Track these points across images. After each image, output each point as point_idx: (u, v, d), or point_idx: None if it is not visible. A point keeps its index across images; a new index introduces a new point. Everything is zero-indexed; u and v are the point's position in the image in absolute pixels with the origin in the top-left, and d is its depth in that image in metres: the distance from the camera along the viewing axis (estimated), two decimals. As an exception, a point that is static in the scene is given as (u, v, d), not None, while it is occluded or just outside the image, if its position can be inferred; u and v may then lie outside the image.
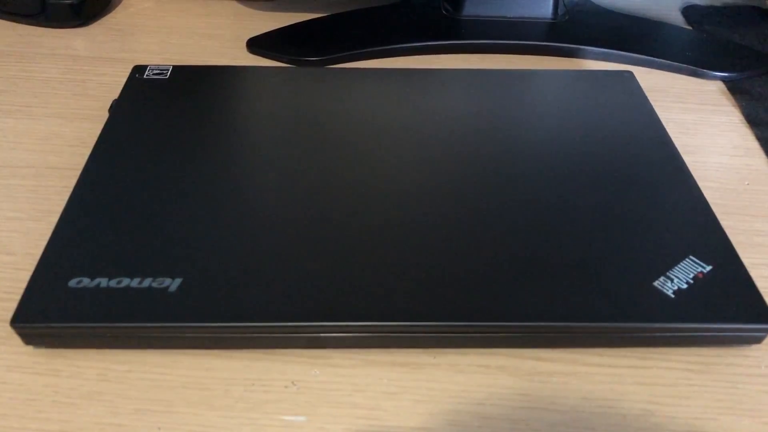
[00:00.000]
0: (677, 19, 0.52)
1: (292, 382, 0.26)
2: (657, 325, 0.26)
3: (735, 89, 0.43)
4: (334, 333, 0.26)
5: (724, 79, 0.44)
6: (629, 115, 0.37)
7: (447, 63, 0.45)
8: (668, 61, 0.45)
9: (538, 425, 0.25)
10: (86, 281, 0.27)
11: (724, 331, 0.27)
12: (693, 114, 0.41)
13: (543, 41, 0.46)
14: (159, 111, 0.36)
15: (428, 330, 0.26)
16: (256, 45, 0.46)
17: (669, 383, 0.26)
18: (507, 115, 0.36)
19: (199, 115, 0.36)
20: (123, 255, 0.28)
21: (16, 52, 0.45)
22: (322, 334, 0.26)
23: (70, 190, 0.31)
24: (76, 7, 0.46)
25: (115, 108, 0.36)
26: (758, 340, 0.27)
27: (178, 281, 0.27)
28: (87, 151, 0.34)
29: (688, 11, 0.52)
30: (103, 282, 0.27)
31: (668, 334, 0.27)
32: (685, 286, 0.27)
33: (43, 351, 0.27)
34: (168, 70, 0.39)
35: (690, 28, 0.50)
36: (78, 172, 0.33)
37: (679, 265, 0.28)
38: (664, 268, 0.28)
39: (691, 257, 0.28)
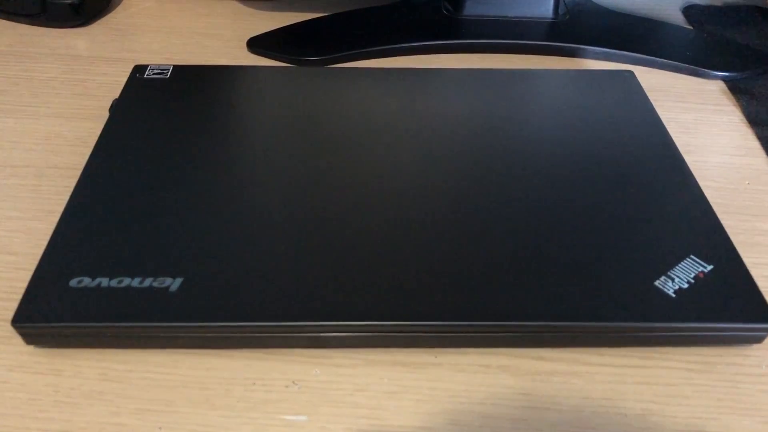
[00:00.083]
0: (678, 18, 0.52)
1: (293, 382, 0.26)
2: (658, 324, 0.26)
3: (736, 89, 0.43)
4: (335, 332, 0.26)
5: (724, 79, 0.44)
6: (630, 115, 0.37)
7: (447, 63, 0.45)
8: (669, 61, 0.45)
9: (539, 425, 0.25)
10: (87, 281, 0.27)
11: (724, 331, 0.27)
12: (694, 113, 0.41)
13: (543, 41, 0.46)
14: (159, 111, 0.36)
15: (429, 330, 0.26)
16: (256, 45, 0.46)
17: (670, 383, 0.26)
18: (508, 114, 0.36)
19: (200, 114, 0.36)
20: (124, 255, 0.28)
21: (16, 51, 0.45)
22: (323, 334, 0.26)
23: (71, 189, 0.31)
24: (76, 7, 0.46)
25: (116, 107, 0.36)
26: (759, 340, 0.27)
27: (179, 281, 0.27)
28: (88, 151, 0.34)
29: (688, 11, 0.52)
30: (104, 282, 0.27)
31: (669, 333, 0.27)
32: (685, 285, 0.27)
33: (44, 350, 0.27)
34: (168, 69, 0.39)
35: (691, 27, 0.50)
36: (79, 172, 0.33)
37: (679, 265, 0.28)
38: (665, 267, 0.28)
39: (691, 257, 0.28)
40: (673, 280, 0.27)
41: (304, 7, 0.51)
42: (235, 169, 0.32)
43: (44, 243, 0.29)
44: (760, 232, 0.33)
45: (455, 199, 0.31)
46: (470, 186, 0.32)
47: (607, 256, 0.28)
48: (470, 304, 0.26)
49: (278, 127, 0.35)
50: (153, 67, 0.39)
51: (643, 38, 0.47)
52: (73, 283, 0.26)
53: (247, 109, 0.36)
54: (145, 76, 0.38)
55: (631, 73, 0.40)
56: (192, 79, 0.38)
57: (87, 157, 0.33)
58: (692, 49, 0.46)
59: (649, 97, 0.38)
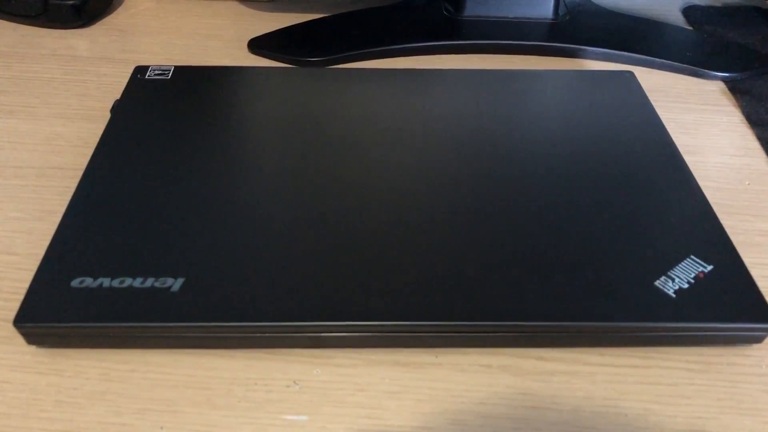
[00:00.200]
0: (678, 19, 0.52)
1: (294, 382, 0.26)
2: (658, 324, 0.26)
3: (735, 89, 0.43)
4: (335, 333, 0.26)
5: (724, 79, 0.44)
6: (630, 115, 0.37)
7: (448, 63, 0.45)
8: (669, 61, 0.45)
9: (540, 424, 0.25)
10: (89, 281, 0.27)
11: (724, 331, 0.27)
12: (694, 114, 0.41)
13: (544, 41, 0.46)
14: (161, 111, 0.36)
15: (430, 329, 0.26)
16: (257, 45, 0.46)
17: (670, 383, 0.26)
18: (508, 115, 0.36)
19: (201, 115, 0.36)
20: (125, 255, 0.28)
21: (18, 52, 0.45)
22: (324, 334, 0.26)
23: (73, 190, 0.31)
24: (77, 8, 0.46)
25: (117, 108, 0.36)
26: (759, 340, 0.27)
27: (180, 281, 0.27)
28: (89, 152, 0.34)
29: (688, 11, 0.52)
30: (106, 282, 0.27)
31: (669, 333, 0.27)
32: (686, 285, 0.27)
33: (45, 351, 0.27)
34: (170, 70, 0.39)
35: (691, 28, 0.50)
36: (80, 172, 0.33)
37: (680, 265, 0.28)
38: (665, 267, 0.28)
39: (692, 257, 0.29)
40: (673, 280, 0.27)
41: (304, 8, 0.51)
42: (236, 170, 0.32)
43: (46, 243, 0.29)
44: (760, 232, 0.33)
45: (456, 199, 0.31)
46: (471, 186, 0.32)
47: (607, 256, 0.28)
48: (471, 304, 0.26)
49: (279, 127, 0.35)
50: (154, 67, 0.39)
51: (643, 39, 0.47)
52: (75, 283, 0.27)
53: (248, 109, 0.36)
54: (146, 76, 0.38)
55: (631, 73, 0.40)
56: (193, 80, 0.38)
57: (88, 158, 0.33)
58: (692, 50, 0.46)
59: (649, 98, 0.38)
